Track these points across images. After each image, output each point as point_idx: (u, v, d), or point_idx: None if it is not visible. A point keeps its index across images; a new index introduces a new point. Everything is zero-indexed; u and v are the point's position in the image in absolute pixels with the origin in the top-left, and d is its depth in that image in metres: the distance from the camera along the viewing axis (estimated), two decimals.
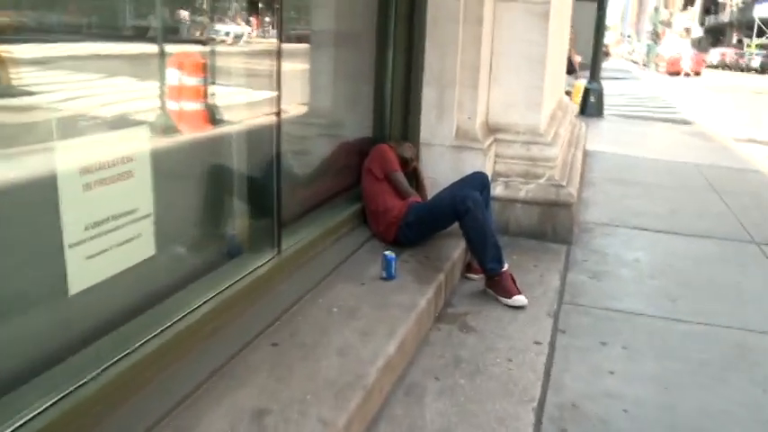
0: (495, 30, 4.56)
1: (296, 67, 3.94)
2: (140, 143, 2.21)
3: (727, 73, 37.88)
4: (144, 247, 2.24)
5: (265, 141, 2.93)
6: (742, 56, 41.57)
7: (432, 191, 4.16)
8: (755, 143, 10.38)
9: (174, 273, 2.49)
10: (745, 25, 49.84)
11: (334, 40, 4.06)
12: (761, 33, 46.01)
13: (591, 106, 12.26)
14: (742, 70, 39.02)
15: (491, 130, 4.66)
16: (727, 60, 42.50)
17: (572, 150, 5.75)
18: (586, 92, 12.44)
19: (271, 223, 2.94)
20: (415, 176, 4.08)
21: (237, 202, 2.97)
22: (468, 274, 3.70)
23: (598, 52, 12.69)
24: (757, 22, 46.31)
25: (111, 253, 2.10)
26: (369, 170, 3.70)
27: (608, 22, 16.49)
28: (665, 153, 8.45)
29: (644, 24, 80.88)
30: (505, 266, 3.40)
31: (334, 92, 4.11)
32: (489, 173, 4.44)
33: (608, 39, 14.63)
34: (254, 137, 3.02)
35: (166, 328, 2.23)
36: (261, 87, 3.00)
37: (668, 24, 66.84)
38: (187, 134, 2.84)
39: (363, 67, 4.16)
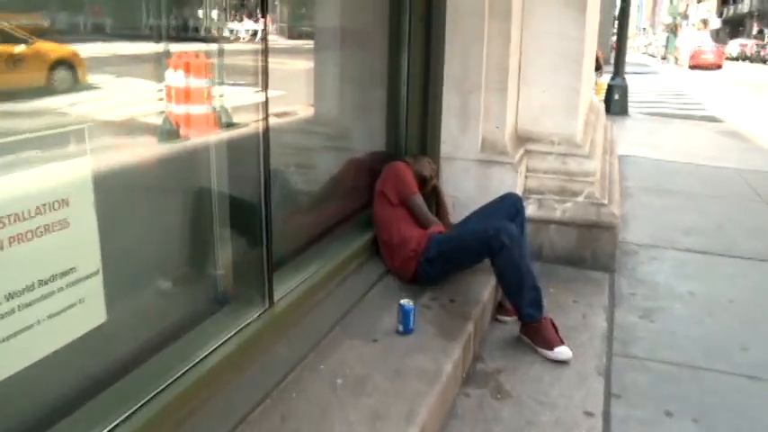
0: (524, 24, 3.98)
1: (297, 69, 3.39)
2: (80, 176, 1.65)
3: (749, 65, 36.87)
4: (90, 315, 1.71)
5: (251, 158, 2.35)
6: (764, 47, 40.41)
7: (454, 212, 3.61)
8: None
9: (132, 344, 1.94)
10: (766, 15, 48.63)
11: (340, 39, 3.49)
12: None
13: (615, 104, 11.60)
14: (764, 62, 37.97)
15: (521, 139, 4.08)
16: (748, 52, 41.37)
17: (607, 159, 5.15)
18: (610, 89, 11.78)
19: (259, 266, 2.38)
20: (434, 197, 3.52)
21: (215, 240, 2.39)
22: (500, 317, 3.13)
23: (623, 46, 12.04)
24: None
25: (40, 329, 1.57)
26: (382, 193, 3.13)
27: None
28: (701, 156, 7.81)
29: (659, 16, 79.53)
30: (545, 311, 2.83)
31: (340, 98, 3.54)
32: (520, 190, 3.86)
33: None
34: (235, 152, 2.43)
35: (117, 425, 1.69)
36: (251, 89, 2.43)
37: (685, 16, 65.62)
38: (147, 152, 2.28)
39: (375, 69, 3.59)
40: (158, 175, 2.27)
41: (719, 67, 31.79)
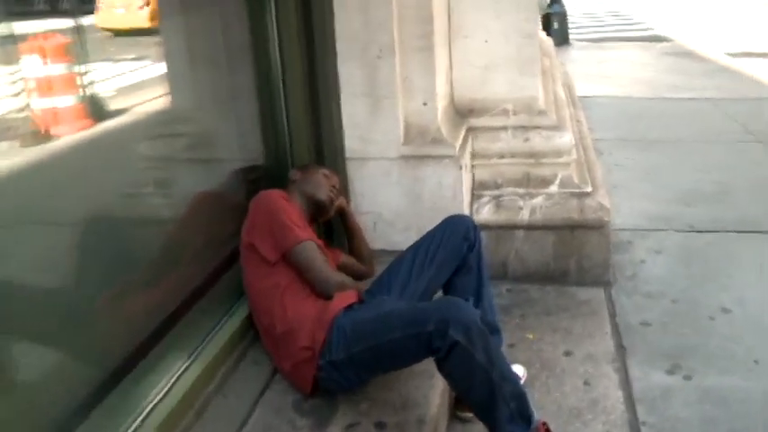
0: None
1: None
2: None
3: None
4: None
5: None
6: None
7: (375, 233, 2.46)
8: (755, 56, 8.78)
9: None
10: None
11: None
12: None
13: (555, 33, 10.35)
14: None
15: (461, 114, 2.89)
16: None
17: (573, 116, 4.00)
18: (547, 17, 10.60)
19: None
20: (344, 225, 2.34)
21: None
22: (461, 413, 2.00)
23: None
24: None
25: None
26: (250, 247, 1.91)
27: None
28: (664, 85, 6.79)
29: None
30: (535, 421, 1.69)
31: (183, 84, 2.27)
32: (468, 189, 2.70)
33: None
34: None
35: None
36: None
37: None
38: None
39: (230, 39, 2.32)
40: None
41: None
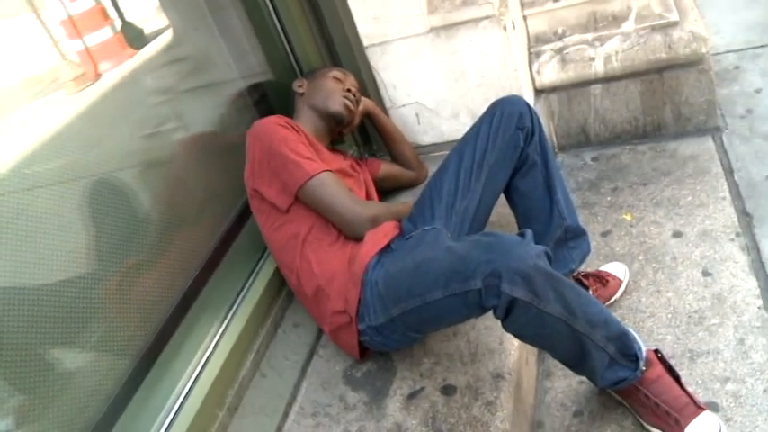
0: None
1: None
2: None
3: None
4: None
5: None
6: None
7: (419, 129, 2.06)
8: None
9: None
10: None
11: None
12: None
13: None
14: None
15: None
16: None
17: None
18: None
19: None
20: (376, 129, 1.96)
21: None
22: None
23: None
24: None
25: None
26: (257, 195, 1.55)
27: None
28: None
29: None
30: (643, 356, 1.31)
31: None
32: (522, 51, 2.18)
33: None
34: None
35: None
36: None
37: None
38: None
39: None
40: None
41: None
